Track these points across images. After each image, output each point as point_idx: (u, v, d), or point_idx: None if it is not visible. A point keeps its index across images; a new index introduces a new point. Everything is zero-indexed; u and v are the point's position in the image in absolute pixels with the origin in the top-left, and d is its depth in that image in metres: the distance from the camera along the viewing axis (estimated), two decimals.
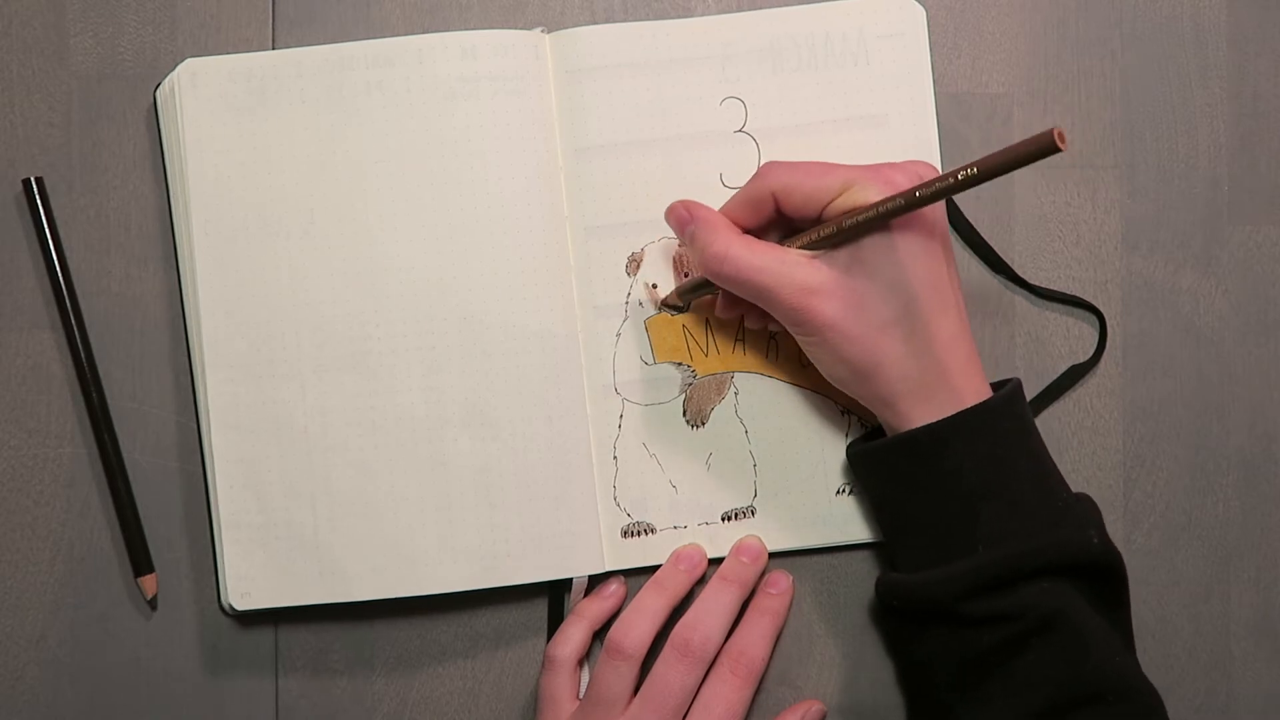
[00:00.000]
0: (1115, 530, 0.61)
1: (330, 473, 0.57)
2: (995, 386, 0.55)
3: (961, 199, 0.60)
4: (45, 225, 0.58)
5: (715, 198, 0.56)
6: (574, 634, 0.58)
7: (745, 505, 0.59)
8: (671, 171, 0.59)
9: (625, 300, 0.59)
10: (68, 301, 0.58)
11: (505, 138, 0.58)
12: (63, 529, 0.59)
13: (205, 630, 0.59)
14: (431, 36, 0.58)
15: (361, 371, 0.58)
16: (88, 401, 0.58)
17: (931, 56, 0.59)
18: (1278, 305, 0.62)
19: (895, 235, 0.51)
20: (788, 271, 0.52)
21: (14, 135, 0.59)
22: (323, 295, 0.58)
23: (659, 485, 0.59)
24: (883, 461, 0.55)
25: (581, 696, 0.58)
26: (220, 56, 0.58)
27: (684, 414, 0.59)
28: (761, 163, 0.58)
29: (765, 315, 0.56)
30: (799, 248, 0.53)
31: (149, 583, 0.59)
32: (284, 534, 0.57)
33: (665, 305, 0.59)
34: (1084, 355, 0.61)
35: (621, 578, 0.60)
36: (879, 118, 0.59)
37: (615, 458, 0.59)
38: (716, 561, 0.59)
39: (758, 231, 0.55)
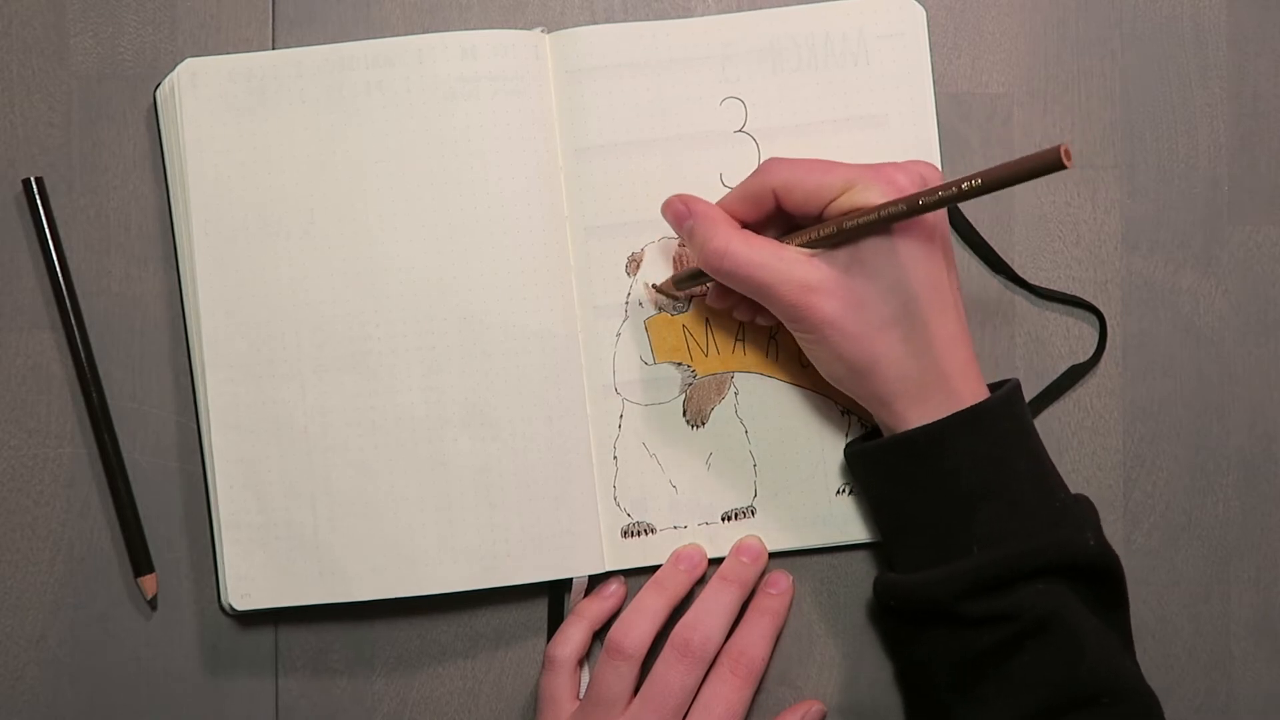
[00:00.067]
0: (1115, 530, 0.61)
1: (330, 473, 0.57)
2: (994, 387, 0.55)
3: None
4: (45, 225, 0.58)
5: (715, 198, 0.56)
6: (574, 634, 0.58)
7: (745, 505, 0.59)
8: (671, 171, 0.58)
9: (625, 300, 0.59)
10: (68, 301, 0.58)
11: (505, 138, 0.58)
12: (63, 529, 0.59)
13: (205, 630, 0.59)
14: (431, 36, 0.58)
15: (361, 371, 0.58)
16: (88, 401, 0.58)
17: (931, 56, 0.59)
18: (1278, 305, 0.62)
19: (896, 238, 0.51)
20: (787, 269, 0.52)
21: (14, 135, 0.59)
22: (323, 295, 0.58)
23: (659, 485, 0.59)
24: (880, 461, 0.55)
25: (581, 696, 0.58)
26: (220, 56, 0.58)
27: (684, 414, 0.59)
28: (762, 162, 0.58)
29: (755, 308, 0.56)
30: (798, 245, 0.53)
31: (149, 583, 0.59)
32: (284, 534, 0.57)
33: (660, 293, 0.59)
34: (1084, 355, 0.61)
35: (621, 578, 0.60)
36: (879, 118, 0.59)
37: (615, 458, 0.59)
38: (716, 561, 0.59)
39: (756, 227, 0.55)
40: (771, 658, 0.59)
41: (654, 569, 0.59)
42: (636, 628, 0.56)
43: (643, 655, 0.56)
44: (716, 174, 0.59)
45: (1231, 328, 0.61)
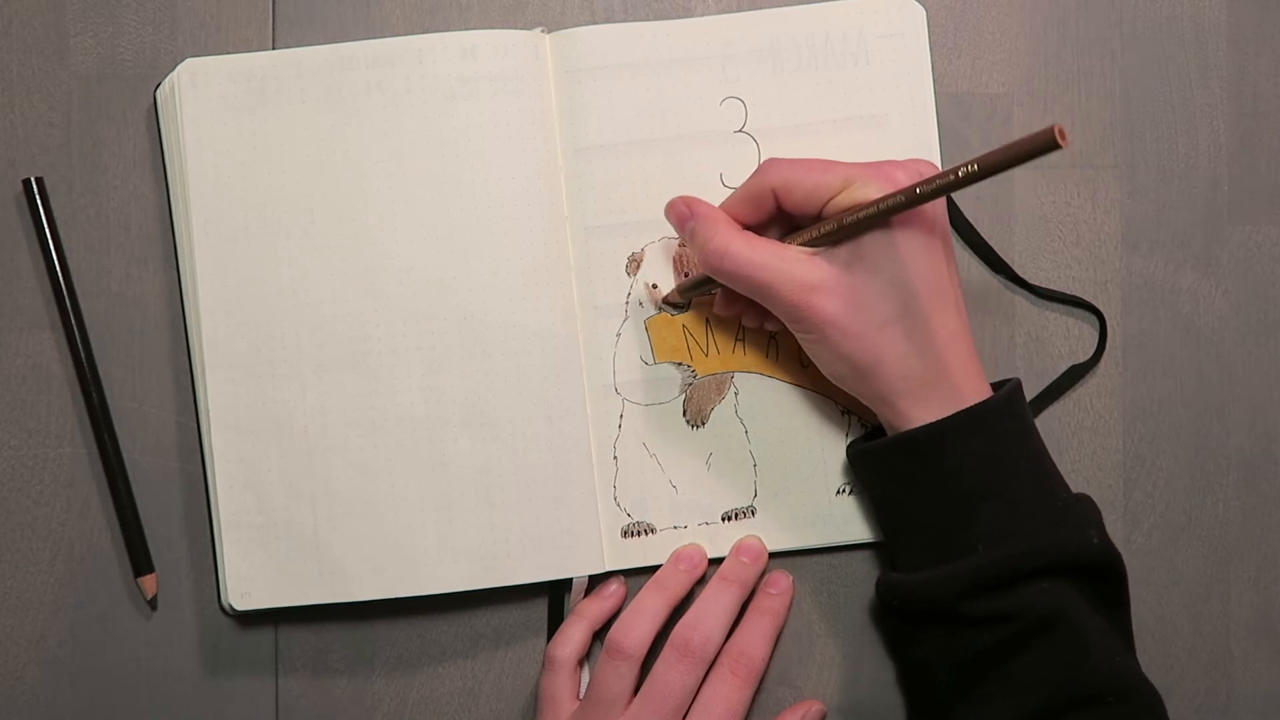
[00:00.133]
0: (1115, 530, 0.61)
1: (330, 473, 0.57)
2: (995, 387, 0.55)
3: (961, 199, 0.60)
4: (45, 225, 0.58)
5: (715, 198, 0.56)
6: (574, 634, 0.58)
7: (745, 505, 0.59)
8: (671, 171, 0.58)
9: (625, 300, 0.59)
10: (68, 301, 0.58)
11: (505, 138, 0.58)
12: (63, 529, 0.59)
13: (205, 630, 0.59)
14: (431, 36, 0.58)
15: (361, 371, 0.58)
16: (88, 401, 0.58)
17: (931, 56, 0.59)
18: (1278, 305, 0.62)
19: (896, 232, 0.51)
20: (787, 268, 0.52)
21: (14, 135, 0.59)
22: (323, 295, 0.58)
23: (659, 485, 0.59)
24: (882, 461, 0.55)
25: (581, 697, 0.58)
26: (220, 56, 0.58)
27: (684, 414, 0.59)
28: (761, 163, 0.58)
29: (763, 313, 0.57)
30: (799, 244, 0.53)
31: (149, 583, 0.59)
32: (284, 534, 0.57)
33: (666, 303, 0.59)
34: (1084, 355, 0.61)
35: (621, 578, 0.60)
36: (879, 118, 0.59)
37: (615, 458, 0.59)
38: (716, 561, 0.59)
39: (758, 228, 0.55)
40: (771, 658, 0.59)
41: (654, 569, 0.59)
42: (636, 628, 0.56)
43: (643, 655, 0.56)
44: (716, 174, 0.59)
45: (1231, 328, 0.61)
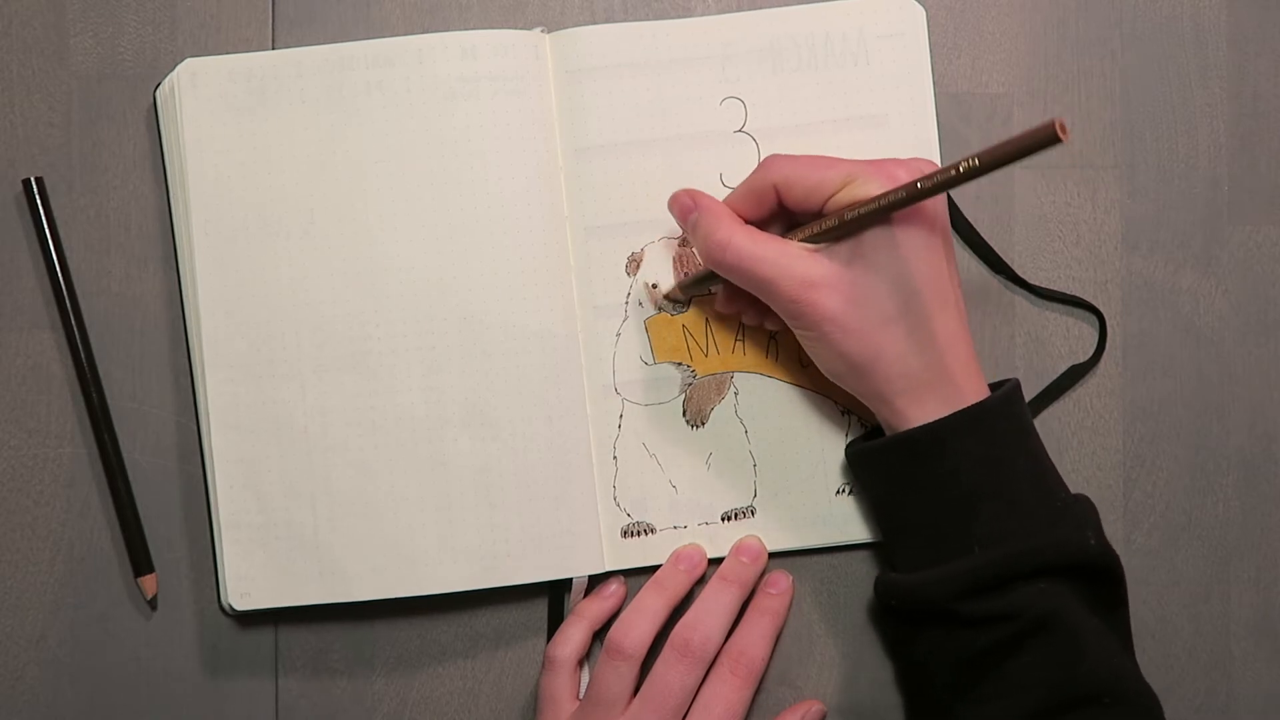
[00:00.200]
0: (1115, 530, 0.61)
1: (330, 473, 0.57)
2: (994, 387, 0.55)
3: (961, 198, 0.60)
4: (45, 225, 0.58)
5: (715, 197, 0.56)
6: (574, 634, 0.58)
7: (745, 505, 0.59)
8: (671, 171, 0.58)
9: (625, 300, 0.59)
10: (68, 301, 0.58)
11: (505, 138, 0.58)
12: (63, 529, 0.59)
13: (205, 630, 0.59)
14: (431, 36, 0.58)
15: (361, 371, 0.58)
16: (88, 401, 0.58)
17: (931, 56, 0.59)
18: (1278, 305, 0.62)
19: (897, 229, 0.51)
20: (789, 263, 0.52)
21: (14, 135, 0.59)
22: (323, 295, 0.58)
23: (659, 485, 0.59)
24: (881, 461, 0.55)
25: (581, 697, 0.58)
26: (220, 56, 0.58)
27: (684, 414, 0.59)
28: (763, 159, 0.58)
29: (763, 312, 0.56)
30: (801, 240, 0.53)
31: (149, 583, 0.59)
32: (284, 534, 0.57)
33: (667, 299, 0.59)
34: (1084, 355, 0.61)
35: (621, 578, 0.60)
36: (879, 118, 0.59)
37: (615, 458, 0.59)
38: (716, 561, 0.59)
39: (759, 224, 0.55)
40: (771, 658, 0.59)
41: (654, 569, 0.59)
42: (636, 628, 0.56)
43: (643, 655, 0.56)
44: (716, 174, 0.59)
45: (1231, 328, 0.61)
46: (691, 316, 0.59)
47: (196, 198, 0.57)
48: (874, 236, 0.51)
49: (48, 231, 0.58)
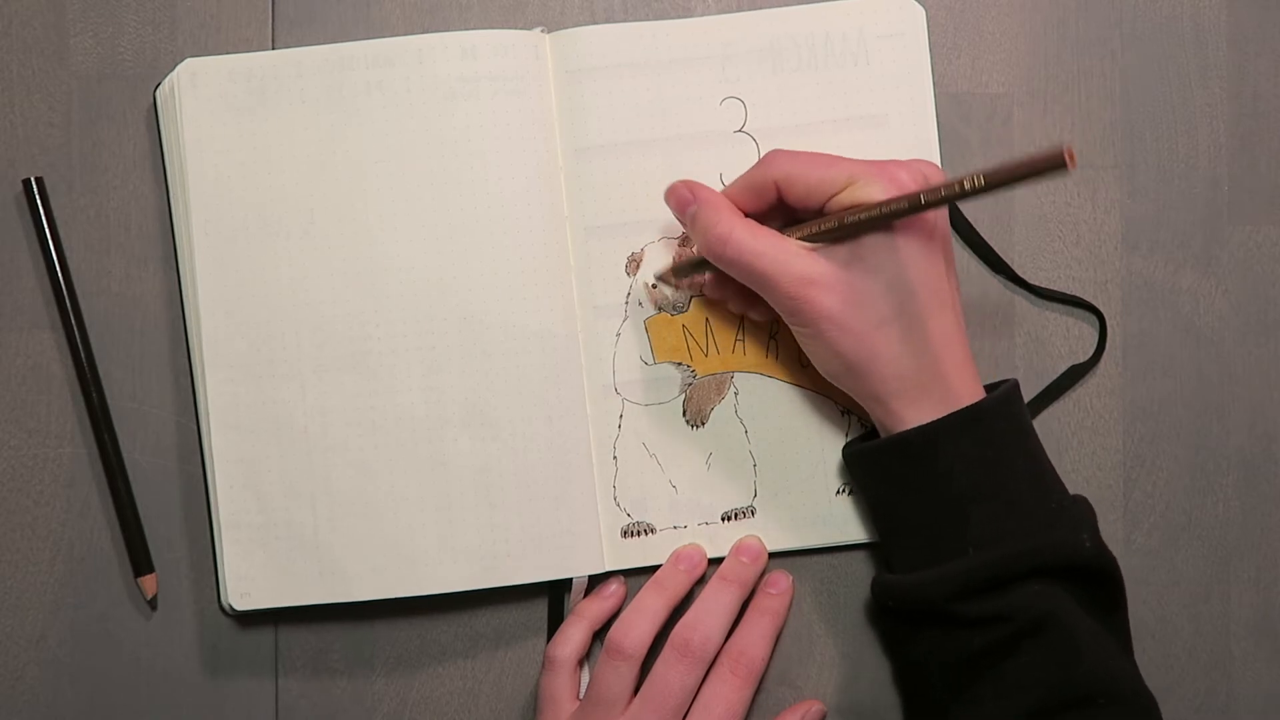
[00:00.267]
0: (1115, 530, 0.61)
1: (330, 473, 0.57)
2: (992, 388, 0.55)
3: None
4: (45, 225, 0.58)
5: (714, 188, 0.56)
6: (574, 634, 0.58)
7: (745, 505, 0.59)
8: (671, 171, 0.58)
9: (625, 300, 0.59)
10: (68, 301, 0.58)
11: (505, 138, 0.58)
12: (63, 529, 0.59)
13: (205, 630, 0.59)
14: (431, 36, 0.58)
15: (361, 371, 0.58)
16: (88, 401, 0.58)
17: (931, 56, 0.59)
18: (1278, 305, 0.62)
19: (897, 235, 0.51)
20: (788, 260, 0.52)
21: (14, 135, 0.59)
22: (323, 295, 0.58)
23: (659, 485, 0.59)
24: (876, 462, 0.55)
25: (581, 697, 0.58)
26: (220, 56, 0.58)
27: (684, 414, 0.59)
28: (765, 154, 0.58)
29: (749, 301, 0.56)
30: (799, 238, 0.53)
31: (149, 583, 0.59)
32: (284, 534, 0.57)
33: (660, 281, 0.59)
34: (1084, 355, 0.61)
35: (621, 578, 0.60)
36: (879, 118, 0.59)
37: (615, 458, 0.59)
38: (716, 561, 0.59)
39: (757, 219, 0.55)
40: (771, 658, 0.59)
41: (654, 569, 0.59)
42: (636, 628, 0.56)
43: (643, 655, 0.56)
44: (716, 174, 0.59)
45: (1231, 328, 0.61)
46: (691, 316, 0.59)
47: (196, 198, 0.57)
48: (874, 241, 0.51)
49: (48, 231, 0.58)
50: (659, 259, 0.59)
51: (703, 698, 0.56)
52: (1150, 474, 0.61)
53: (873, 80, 0.59)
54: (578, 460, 0.58)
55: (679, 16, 0.60)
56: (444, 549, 0.57)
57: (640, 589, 0.58)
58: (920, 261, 0.52)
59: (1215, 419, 0.61)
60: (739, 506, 0.59)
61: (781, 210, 0.55)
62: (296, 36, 0.60)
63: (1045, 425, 0.60)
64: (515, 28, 0.59)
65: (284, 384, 0.58)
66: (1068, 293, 0.61)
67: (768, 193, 0.54)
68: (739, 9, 0.60)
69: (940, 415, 0.52)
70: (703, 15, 0.60)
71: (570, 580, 0.59)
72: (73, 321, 0.58)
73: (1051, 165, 0.43)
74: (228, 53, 0.59)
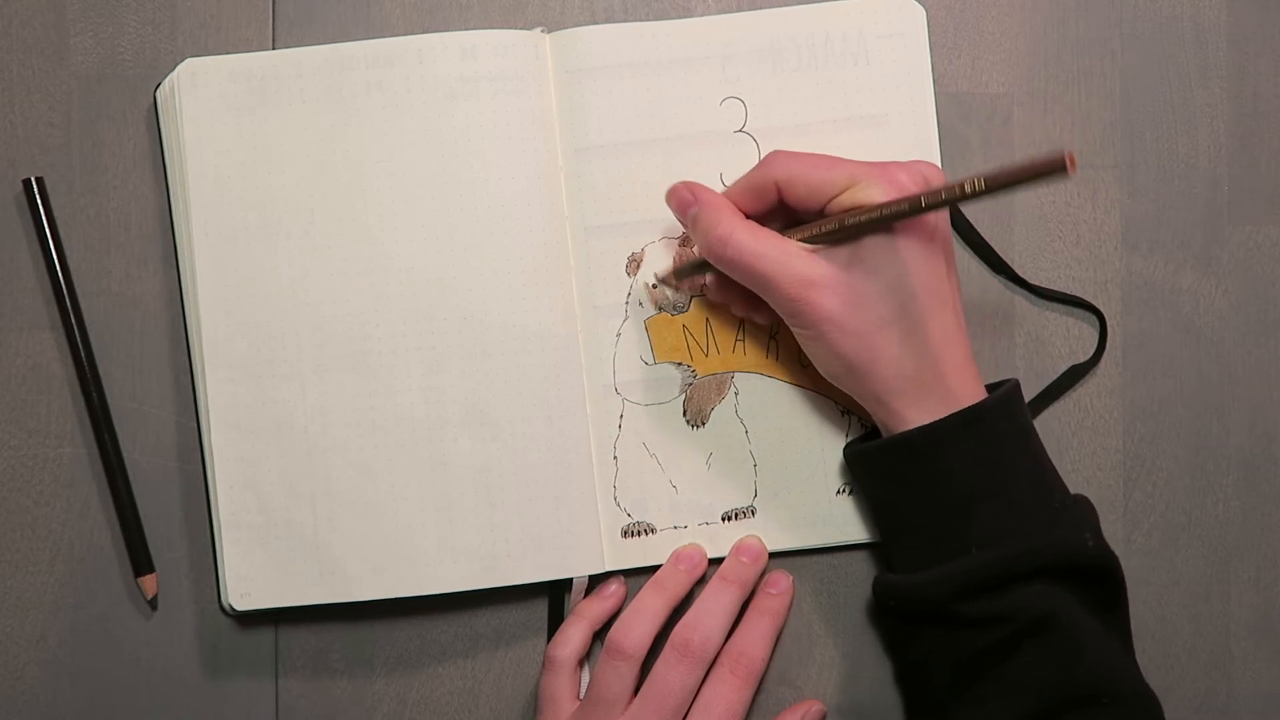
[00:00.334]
0: (1115, 530, 0.61)
1: (330, 473, 0.57)
2: (994, 388, 0.55)
3: None
4: (45, 225, 0.58)
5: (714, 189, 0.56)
6: (574, 634, 0.58)
7: (745, 505, 0.59)
8: (671, 171, 0.58)
9: (625, 300, 0.59)
10: (68, 301, 0.58)
11: (505, 138, 0.58)
12: (63, 529, 0.59)
13: (205, 630, 0.59)
14: (431, 36, 0.58)
15: (361, 371, 0.58)
16: (88, 401, 0.58)
17: (931, 56, 0.59)
18: (1278, 305, 0.62)
19: (897, 237, 0.51)
20: (789, 261, 0.52)
21: (14, 135, 0.59)
22: (323, 295, 0.58)
23: (659, 485, 0.59)
24: (878, 462, 0.55)
25: (582, 697, 0.58)
26: (220, 56, 0.58)
27: (684, 414, 0.59)
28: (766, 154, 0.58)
29: (752, 304, 0.56)
30: (800, 240, 0.53)
31: (149, 583, 0.59)
32: (284, 534, 0.57)
33: (662, 283, 0.59)
34: (1084, 355, 0.61)
35: (621, 578, 0.60)
36: (879, 118, 0.59)
37: (615, 458, 0.59)
38: (716, 561, 0.59)
39: (758, 219, 0.55)
40: (771, 658, 0.59)
41: (654, 569, 0.59)
42: (636, 628, 0.56)
43: (643, 655, 0.56)
44: (716, 174, 0.59)
45: (1231, 328, 0.61)
46: (692, 317, 0.59)
47: (196, 198, 0.57)
48: (874, 243, 0.51)
49: (48, 231, 0.58)
50: (659, 259, 0.59)
51: (703, 698, 0.56)
52: (1150, 474, 0.61)
53: (873, 80, 0.59)
54: (578, 460, 0.58)
55: (679, 16, 0.60)
56: (444, 549, 0.57)
57: (640, 589, 0.58)
58: (921, 263, 0.52)
59: (1215, 419, 0.61)
60: (739, 506, 0.59)
61: (782, 211, 0.55)
62: (296, 36, 0.60)
63: (1045, 425, 0.60)
64: (515, 28, 0.59)
65: (284, 384, 0.58)
66: (1068, 293, 0.61)
67: (768, 194, 0.54)
68: (739, 9, 0.60)
69: (941, 416, 0.52)
70: (703, 15, 0.60)
71: (570, 580, 0.59)
72: (73, 321, 0.58)
73: (1052, 170, 0.44)
74: (228, 53, 0.59)
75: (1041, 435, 0.55)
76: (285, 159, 0.58)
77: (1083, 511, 0.54)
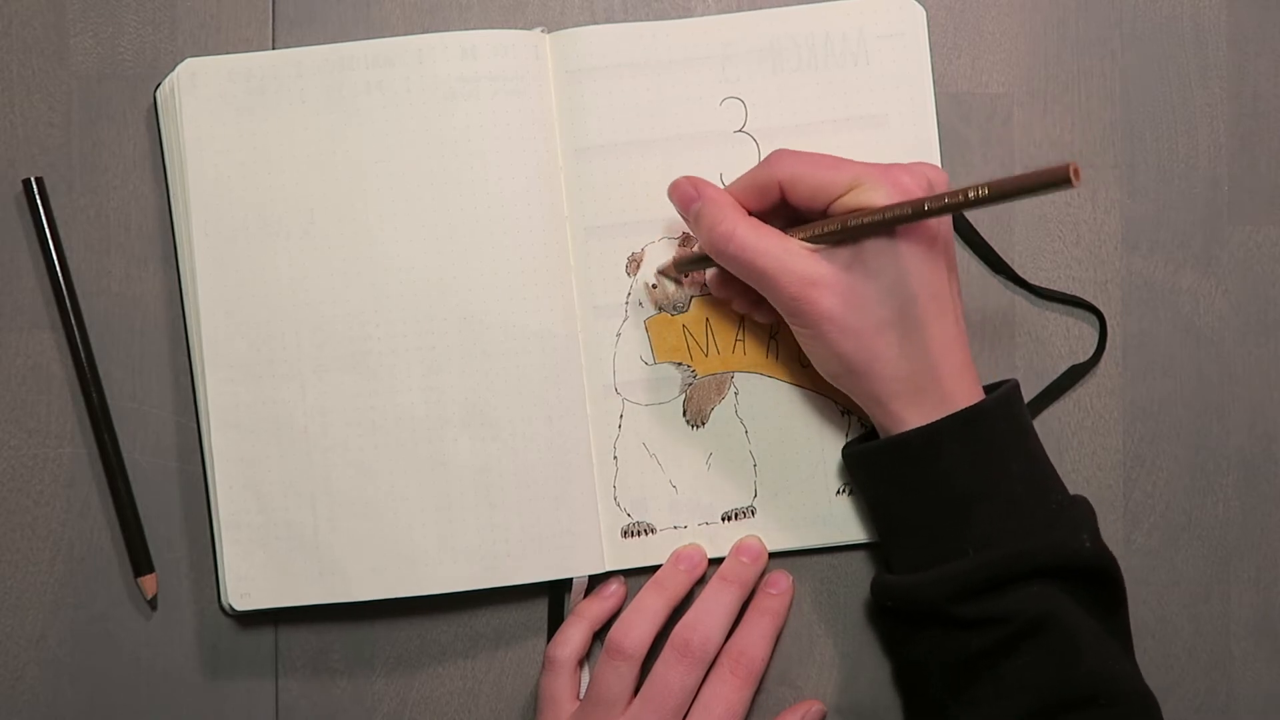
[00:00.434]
0: (1115, 530, 0.61)
1: (330, 473, 0.57)
2: (993, 388, 0.55)
3: None
4: (45, 225, 0.58)
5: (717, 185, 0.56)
6: (574, 634, 0.58)
7: (745, 505, 0.59)
8: (671, 171, 0.58)
9: (625, 300, 0.59)
10: (68, 301, 0.58)
11: (505, 138, 0.58)
12: (63, 529, 0.59)
13: (205, 630, 0.59)
14: (431, 36, 0.58)
15: (361, 371, 0.58)
16: (88, 401, 0.58)
17: (931, 56, 0.59)
18: (1278, 305, 0.62)
19: (899, 240, 0.51)
20: (790, 260, 0.52)
21: (14, 135, 0.59)
22: (323, 295, 0.58)
23: (659, 485, 0.59)
24: (876, 463, 0.55)
25: (581, 697, 0.58)
26: (220, 56, 0.58)
27: (684, 414, 0.59)
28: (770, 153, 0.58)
29: (753, 301, 0.56)
30: (802, 239, 0.53)
31: (149, 583, 0.59)
32: (284, 534, 0.57)
33: (662, 275, 0.59)
34: (1084, 355, 0.61)
35: (621, 578, 0.60)
36: (879, 118, 0.59)
37: (615, 458, 0.59)
38: (716, 561, 0.59)
39: (760, 218, 0.55)
40: (771, 658, 0.59)
41: (654, 569, 0.59)
42: (636, 628, 0.56)
43: (643, 655, 0.56)
44: (717, 174, 0.59)
45: (1231, 328, 0.61)
46: (691, 316, 0.59)
47: (196, 198, 0.57)
48: (876, 245, 0.51)
49: (48, 231, 0.58)
50: (659, 259, 0.59)
51: (703, 698, 0.56)
52: (1150, 474, 0.61)
53: (873, 80, 0.59)
54: (578, 460, 0.58)
55: (679, 16, 0.60)
56: (444, 549, 0.57)
57: (640, 589, 0.58)
58: (922, 267, 0.52)
59: (1215, 419, 0.61)
60: (739, 506, 0.59)
61: (784, 210, 0.55)
62: (296, 36, 0.60)
63: (1045, 425, 0.60)
64: (515, 28, 0.59)
65: (284, 384, 0.58)
66: (1068, 293, 0.61)
67: (771, 192, 0.54)
68: (739, 9, 0.60)
69: (938, 417, 0.52)
70: (703, 15, 0.60)
71: (570, 580, 0.59)
72: (73, 321, 0.58)
73: (1056, 181, 0.44)
74: (228, 53, 0.59)
75: (1041, 435, 0.55)
76: (285, 159, 0.58)
77: (1081, 512, 0.54)
